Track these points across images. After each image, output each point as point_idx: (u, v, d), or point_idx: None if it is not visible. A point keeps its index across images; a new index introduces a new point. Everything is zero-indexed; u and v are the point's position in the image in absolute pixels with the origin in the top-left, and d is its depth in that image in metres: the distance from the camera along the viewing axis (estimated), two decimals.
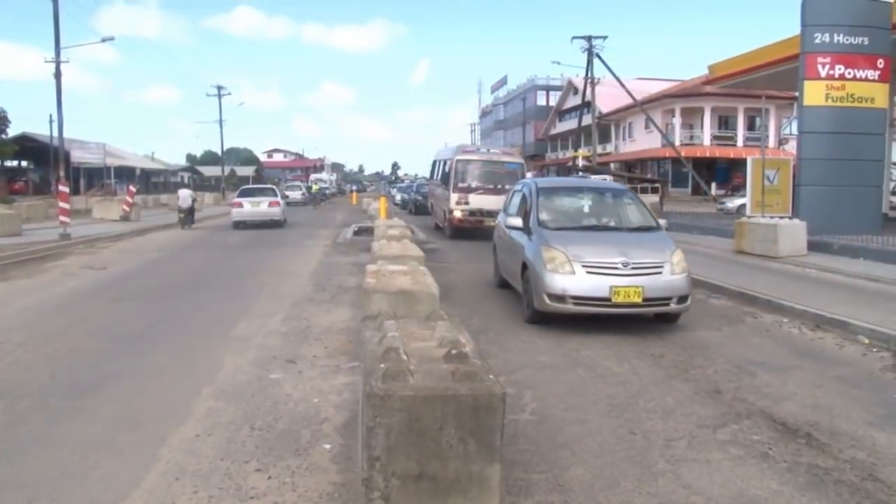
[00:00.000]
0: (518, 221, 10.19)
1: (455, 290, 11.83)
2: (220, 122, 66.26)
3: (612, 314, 8.58)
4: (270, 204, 27.87)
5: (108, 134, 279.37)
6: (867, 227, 16.56)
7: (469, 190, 21.21)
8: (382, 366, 3.81)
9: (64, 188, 22.35)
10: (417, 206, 37.14)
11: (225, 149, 73.44)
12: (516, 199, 11.61)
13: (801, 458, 4.88)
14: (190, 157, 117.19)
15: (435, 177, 27.07)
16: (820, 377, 6.92)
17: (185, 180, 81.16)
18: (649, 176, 48.36)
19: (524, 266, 9.36)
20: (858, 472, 4.63)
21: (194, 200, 29.64)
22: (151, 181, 73.10)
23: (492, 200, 20.13)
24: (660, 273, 8.59)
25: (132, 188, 33.06)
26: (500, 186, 20.58)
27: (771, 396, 6.27)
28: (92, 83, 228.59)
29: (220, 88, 66.17)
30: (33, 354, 7.39)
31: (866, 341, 8.32)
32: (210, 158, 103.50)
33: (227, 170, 79.86)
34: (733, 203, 31.56)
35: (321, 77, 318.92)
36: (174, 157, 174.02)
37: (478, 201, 21.03)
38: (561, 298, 8.46)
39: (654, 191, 37.46)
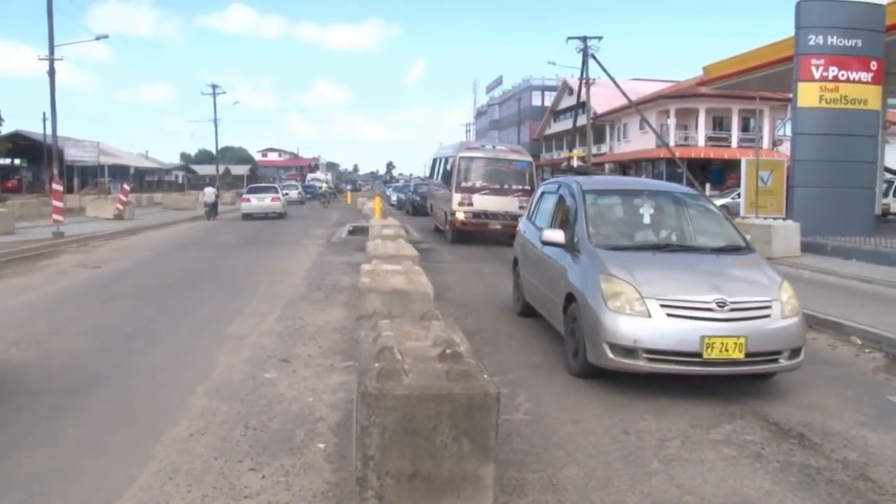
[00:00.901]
0: (557, 235, 7.72)
1: (450, 289, 11.85)
2: (215, 120, 65.99)
3: (702, 375, 6.20)
4: (273, 199, 34.15)
5: (102, 132, 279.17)
6: (860, 229, 16.62)
7: (473, 190, 19.62)
8: (377, 365, 3.81)
9: (57, 186, 22.27)
10: (415, 206, 35.77)
11: (219, 148, 73.23)
12: (547, 204, 9.29)
13: (794, 457, 4.90)
14: (184, 156, 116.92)
15: (435, 176, 25.66)
16: (813, 378, 6.94)
17: (180, 179, 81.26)
18: (643, 178, 48.42)
19: (569, 298, 7.04)
20: (850, 472, 4.66)
21: (217, 196, 36.05)
22: (146, 180, 72.95)
23: (498, 202, 19.37)
24: (767, 316, 6.24)
25: (126, 187, 33.01)
26: (506, 186, 19.64)
27: (764, 397, 6.30)
28: (86, 81, 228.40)
29: (214, 87, 65.89)
30: (26, 353, 7.37)
31: (859, 342, 8.36)
32: (205, 157, 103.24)
33: (221, 169, 79.62)
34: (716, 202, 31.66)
35: (316, 76, 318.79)
36: (168, 155, 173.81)
37: (482, 202, 19.53)
38: (630, 352, 6.06)
39: None
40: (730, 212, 32.64)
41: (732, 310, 6.10)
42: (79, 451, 4.77)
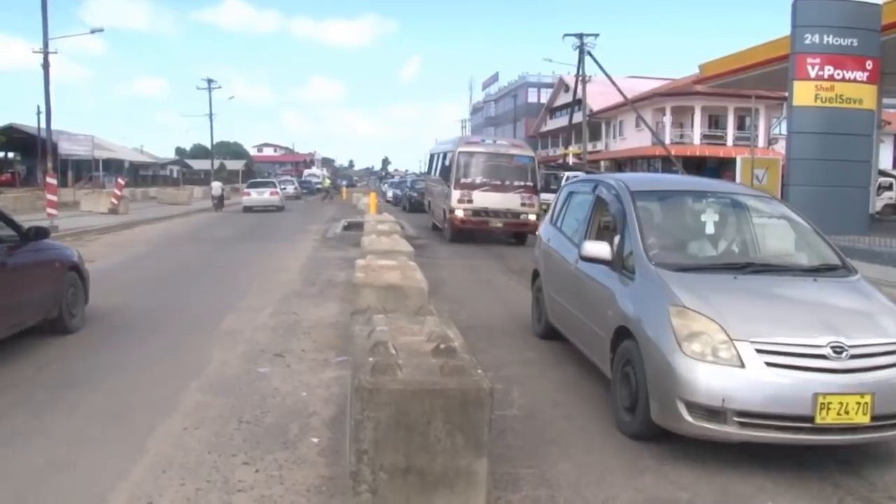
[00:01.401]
0: (603, 250, 5.99)
1: (445, 285, 11.84)
2: (210, 115, 66.07)
3: (813, 443, 4.65)
4: (271, 193, 37.05)
5: (97, 126, 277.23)
6: (855, 228, 16.67)
7: (473, 186, 18.79)
8: (371, 359, 3.82)
9: (52, 180, 22.24)
10: (412, 203, 35.17)
11: (215, 142, 73.17)
12: (579, 207, 7.58)
13: (789, 455, 4.91)
14: (179, 151, 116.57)
15: (432, 172, 24.81)
16: None
17: (175, 174, 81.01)
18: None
19: (620, 332, 5.44)
20: (843, 469, 4.67)
21: (224, 190, 39.02)
22: (140, 174, 72.69)
23: (499, 199, 18.75)
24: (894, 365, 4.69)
25: (121, 181, 32.92)
26: (508, 183, 18.94)
27: None
28: (80, 75, 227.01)
29: (210, 82, 65.97)
30: (18, 347, 7.33)
31: None
32: (199, 152, 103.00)
33: (216, 163, 79.54)
34: None
35: (311, 72, 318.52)
36: (163, 150, 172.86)
37: (483, 199, 18.75)
38: (716, 414, 4.55)
39: None
40: None
41: (853, 357, 4.59)
42: (71, 445, 4.76)
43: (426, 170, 28.63)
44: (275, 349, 7.38)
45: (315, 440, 4.91)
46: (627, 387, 5.22)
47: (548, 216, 8.65)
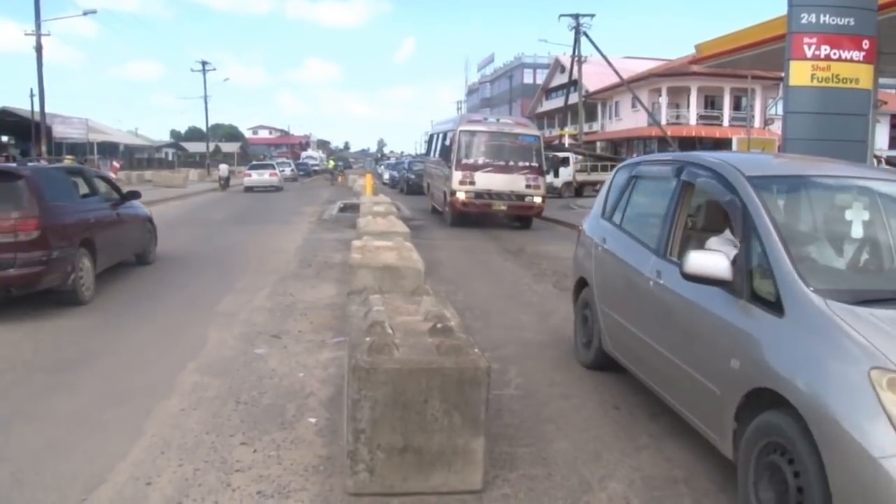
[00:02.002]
0: (716, 264, 3.94)
1: (441, 266, 11.85)
2: (205, 97, 65.53)
3: None
4: (270, 174, 39.68)
5: (91, 109, 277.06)
6: None
7: (475, 167, 17.96)
8: (368, 339, 3.83)
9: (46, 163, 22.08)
10: (410, 185, 34.68)
11: (210, 125, 72.79)
12: (654, 199, 5.53)
13: None
14: (174, 133, 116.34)
15: (432, 153, 23.89)
16: None
17: (170, 157, 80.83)
18: (622, 154, 48.46)
19: (757, 398, 3.57)
20: None
21: (230, 173, 42.57)
22: (135, 157, 72.32)
23: (503, 180, 17.91)
24: None
25: (116, 164, 32.89)
26: (512, 163, 18.13)
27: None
28: (73, 57, 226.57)
29: (204, 64, 65.35)
30: (13, 332, 7.33)
31: None
32: (195, 135, 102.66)
33: (211, 146, 79.22)
34: None
35: (306, 53, 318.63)
36: (158, 132, 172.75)
37: (486, 181, 17.90)
38: None
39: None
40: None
41: None
42: (70, 426, 4.77)
43: (425, 151, 27.96)
44: (271, 330, 7.38)
45: (312, 420, 4.92)
46: (778, 494, 3.35)
47: (596, 208, 6.65)
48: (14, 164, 9.60)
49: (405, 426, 3.66)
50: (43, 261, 7.71)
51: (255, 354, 6.51)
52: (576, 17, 42.94)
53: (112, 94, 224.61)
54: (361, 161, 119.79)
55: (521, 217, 18.89)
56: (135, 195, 11.05)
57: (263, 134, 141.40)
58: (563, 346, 7.05)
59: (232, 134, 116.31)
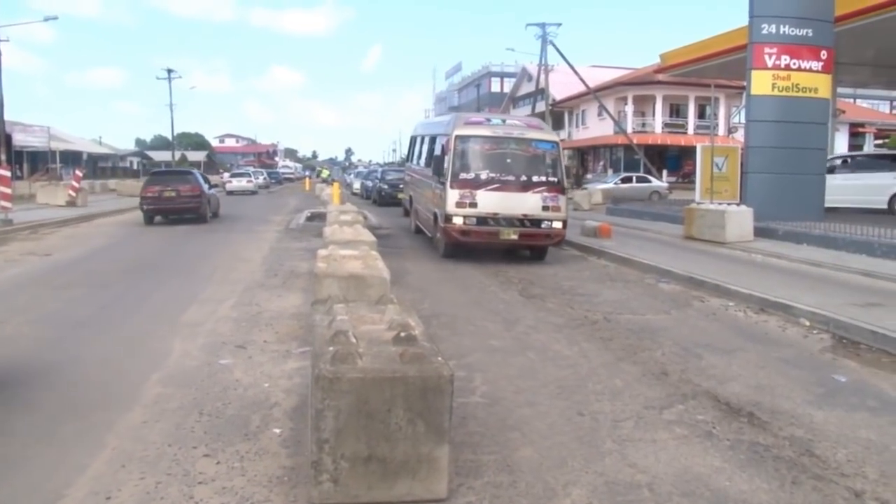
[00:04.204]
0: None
1: (408, 274, 11.84)
2: (171, 106, 64.94)
3: None
4: (248, 181, 47.96)
5: (53, 118, 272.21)
6: (811, 214, 17.01)
7: (477, 184, 13.62)
8: (331, 349, 3.81)
9: (5, 172, 21.66)
10: (383, 195, 31.86)
11: (176, 133, 72.01)
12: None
13: (744, 436, 5.02)
14: (139, 142, 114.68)
15: (414, 159, 19.71)
16: (763, 358, 7.11)
17: (135, 165, 79.77)
18: (589, 162, 48.87)
19: None
20: (796, 448, 4.79)
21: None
22: (99, 166, 71.22)
23: (513, 201, 13.63)
24: None
25: (78, 173, 32.30)
26: (525, 178, 13.79)
27: (716, 377, 6.42)
28: (34, 64, 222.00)
29: (170, 71, 64.84)
30: None
31: (807, 323, 8.56)
32: (160, 143, 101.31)
33: (177, 155, 78.38)
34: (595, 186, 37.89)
35: (272, 61, 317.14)
36: (123, 141, 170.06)
37: (491, 202, 13.56)
38: None
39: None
40: (661, 196, 34.61)
41: None
42: (27, 441, 4.68)
43: (406, 156, 22.98)
44: (237, 341, 7.32)
45: (277, 431, 4.88)
46: None
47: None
48: None
49: (369, 435, 3.65)
50: None
51: (220, 365, 6.45)
52: (542, 26, 43.32)
53: (75, 102, 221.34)
54: (329, 169, 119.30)
55: (534, 248, 14.58)
56: (215, 185, 17.16)
57: (230, 142, 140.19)
58: (531, 353, 7.09)
59: (198, 142, 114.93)
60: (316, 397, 3.63)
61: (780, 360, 7.08)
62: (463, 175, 13.71)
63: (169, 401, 5.47)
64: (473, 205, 13.56)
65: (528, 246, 14.43)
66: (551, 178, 13.95)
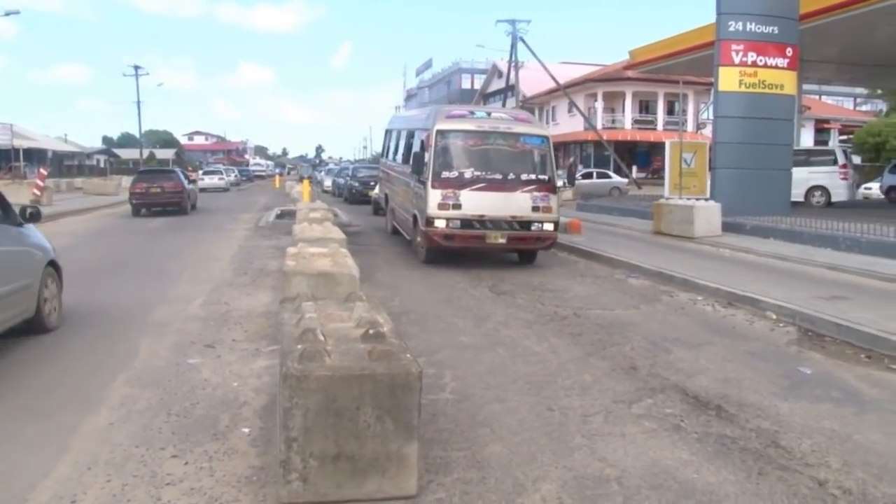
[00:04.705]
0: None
1: (378, 271, 11.81)
2: (138, 103, 64.25)
3: None
4: (219, 179, 49.88)
5: (16, 115, 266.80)
6: (777, 209, 17.26)
7: (461, 184, 12.53)
8: (299, 347, 3.79)
9: None
10: (353, 192, 31.67)
11: (144, 131, 71.26)
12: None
13: (711, 428, 5.08)
14: (106, 140, 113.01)
15: (388, 154, 18.50)
16: (730, 352, 7.20)
17: (102, 163, 78.68)
18: (559, 157, 49.13)
19: None
20: (763, 440, 4.86)
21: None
22: (65, 164, 70.15)
23: (501, 201, 12.59)
24: None
25: (43, 171, 31.80)
26: (513, 176, 12.77)
27: (684, 371, 6.49)
28: None
29: (137, 68, 64.11)
30: None
31: (774, 317, 8.69)
32: (128, 141, 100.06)
33: (145, 152, 77.51)
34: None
35: (240, 58, 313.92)
36: (89, 139, 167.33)
37: (477, 202, 12.52)
38: None
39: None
40: (621, 192, 35.00)
41: None
42: None
43: (381, 151, 21.46)
44: (205, 340, 7.25)
45: (246, 430, 4.85)
46: None
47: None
48: None
49: (338, 433, 3.63)
50: None
51: (188, 364, 6.38)
52: (512, 22, 43.42)
53: (39, 99, 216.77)
54: (298, 167, 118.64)
55: (524, 252, 13.67)
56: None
57: (199, 140, 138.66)
58: (501, 349, 7.11)
59: (167, 140, 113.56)
60: (284, 396, 3.61)
61: (748, 354, 7.18)
62: (445, 173, 12.65)
63: (136, 401, 5.41)
64: (457, 206, 12.53)
65: (517, 250, 13.57)
66: (541, 176, 12.99)
